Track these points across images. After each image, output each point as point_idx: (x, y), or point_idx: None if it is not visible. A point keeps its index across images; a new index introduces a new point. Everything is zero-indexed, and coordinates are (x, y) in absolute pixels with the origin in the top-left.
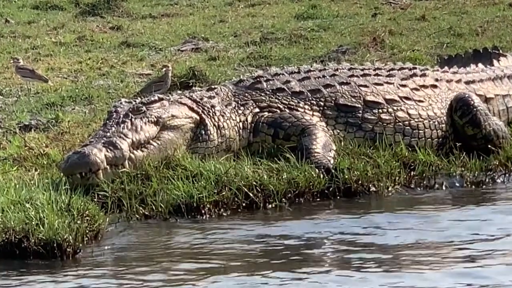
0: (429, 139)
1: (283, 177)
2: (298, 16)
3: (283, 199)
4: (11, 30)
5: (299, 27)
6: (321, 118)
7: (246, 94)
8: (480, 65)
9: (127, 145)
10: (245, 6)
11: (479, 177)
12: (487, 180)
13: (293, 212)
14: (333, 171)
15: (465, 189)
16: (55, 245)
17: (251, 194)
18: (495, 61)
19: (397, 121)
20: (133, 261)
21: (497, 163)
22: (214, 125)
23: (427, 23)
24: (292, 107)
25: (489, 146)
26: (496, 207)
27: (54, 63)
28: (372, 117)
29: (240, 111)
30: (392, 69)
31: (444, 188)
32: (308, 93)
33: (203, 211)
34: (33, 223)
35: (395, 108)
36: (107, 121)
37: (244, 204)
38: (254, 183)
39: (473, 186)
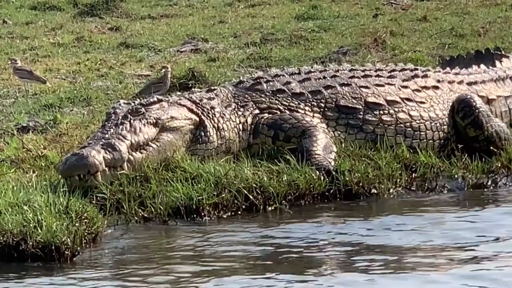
0: (430, 141)
1: (283, 179)
2: (298, 17)
3: (283, 202)
4: (9, 31)
5: (299, 28)
6: (322, 120)
7: (246, 96)
8: (482, 66)
9: (126, 147)
10: (245, 6)
11: (481, 179)
12: (489, 182)
13: (294, 214)
14: (333, 173)
15: (467, 191)
16: (53, 248)
17: (251, 196)
18: (497, 62)
19: (398, 122)
20: (132, 264)
21: (499, 165)
22: (214, 126)
23: (428, 23)
24: (293, 108)
25: (491, 147)
26: (501, 209)
27: (52, 64)
28: (373, 119)
29: (240, 113)
30: (394, 70)
31: (445, 190)
32: (309, 95)
33: (202, 213)
34: (31, 225)
35: (396, 109)
36: (106, 123)
37: (244, 207)
38: (254, 185)
39: (475, 188)
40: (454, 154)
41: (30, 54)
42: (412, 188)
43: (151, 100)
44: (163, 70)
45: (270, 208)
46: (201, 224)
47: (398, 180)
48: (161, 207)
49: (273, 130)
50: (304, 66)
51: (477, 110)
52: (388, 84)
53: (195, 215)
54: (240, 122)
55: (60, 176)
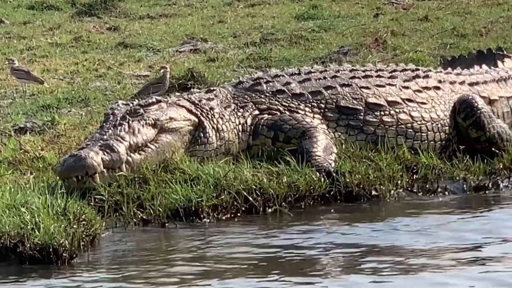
0: (432, 142)
1: (283, 180)
2: (298, 17)
3: (283, 203)
4: (6, 31)
5: (299, 28)
6: (322, 121)
7: (246, 96)
8: (484, 66)
9: (124, 148)
10: (245, 6)
11: (483, 181)
12: (491, 184)
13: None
14: (334, 174)
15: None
16: (51, 250)
17: (250, 198)
18: (499, 62)
19: (399, 123)
20: (130, 267)
21: (501, 166)
22: (213, 127)
23: (430, 23)
24: (293, 109)
25: (493, 149)
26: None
27: (50, 65)
28: (374, 120)
29: (239, 114)
30: (394, 71)
31: (447, 192)
32: (309, 95)
33: (201, 215)
34: (29, 227)
35: (397, 110)
36: (104, 124)
37: (243, 208)
38: (254, 186)
39: (477, 190)
40: (456, 156)
41: (28, 54)
42: (413, 190)
43: (150, 100)
44: (162, 70)
45: (269, 210)
46: (200, 226)
47: (399, 181)
48: (160, 209)
49: (273, 131)
50: (304, 66)
51: (478, 111)
52: (389, 84)
53: (194, 217)
54: (239, 123)
55: (58, 177)
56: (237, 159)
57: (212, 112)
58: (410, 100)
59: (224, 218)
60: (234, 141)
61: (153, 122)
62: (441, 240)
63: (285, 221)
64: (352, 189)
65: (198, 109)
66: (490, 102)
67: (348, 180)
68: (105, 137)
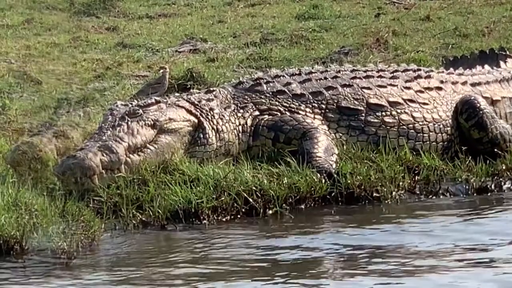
0: (434, 143)
1: (284, 182)
2: (299, 16)
3: (284, 205)
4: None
5: (300, 28)
6: (323, 121)
7: (246, 97)
8: (486, 66)
9: (123, 149)
10: (245, 6)
11: (486, 182)
12: (493, 185)
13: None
14: (335, 175)
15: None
16: (48, 252)
17: (250, 200)
18: (501, 63)
19: (401, 124)
20: (129, 269)
21: (504, 168)
22: (213, 128)
23: (431, 23)
24: (293, 109)
25: (496, 149)
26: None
27: (48, 65)
28: (375, 120)
29: (239, 114)
30: (396, 71)
31: (449, 194)
32: (310, 96)
33: (201, 217)
34: (27, 229)
35: (399, 111)
36: (103, 125)
37: (243, 210)
38: (254, 188)
39: (479, 192)
40: (458, 156)
41: (24, 54)
42: (415, 191)
43: (149, 101)
44: (161, 70)
45: (270, 212)
46: (200, 228)
47: (401, 183)
48: (159, 210)
49: (273, 132)
50: (305, 66)
51: (481, 112)
52: (391, 85)
53: (193, 219)
54: (239, 124)
55: (56, 178)
56: (237, 160)
57: (212, 113)
58: (411, 101)
59: (224, 220)
60: (234, 142)
61: (152, 122)
62: (447, 242)
63: (286, 223)
64: (353, 190)
65: (198, 110)
66: (493, 102)
67: (349, 181)
68: (104, 138)
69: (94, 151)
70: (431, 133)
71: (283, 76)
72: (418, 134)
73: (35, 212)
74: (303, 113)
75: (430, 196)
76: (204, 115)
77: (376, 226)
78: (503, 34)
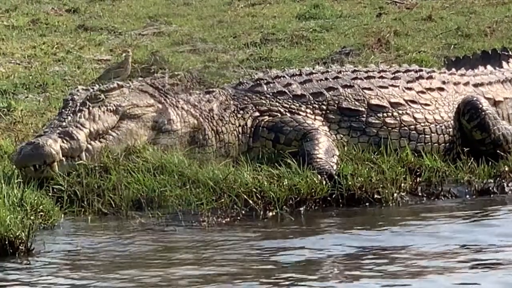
0: (435, 144)
1: (284, 183)
2: (299, 16)
3: (284, 207)
4: None
5: (300, 28)
6: (324, 122)
7: (246, 98)
8: (488, 67)
9: (84, 135)
10: (245, 5)
11: (488, 184)
12: (495, 187)
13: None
14: (336, 177)
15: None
16: (7, 242)
17: (250, 201)
18: (504, 63)
19: (402, 125)
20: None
21: (506, 169)
22: (213, 129)
23: (433, 23)
24: (294, 110)
25: (498, 151)
26: None
27: (6, 48)
28: (377, 121)
29: (239, 115)
30: (398, 71)
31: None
32: (310, 96)
33: (201, 219)
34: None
35: (400, 112)
36: (63, 110)
37: (243, 212)
38: (254, 189)
39: (481, 193)
40: (460, 158)
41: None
42: (417, 193)
43: (111, 86)
44: (124, 54)
45: (270, 214)
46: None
47: (402, 184)
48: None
49: (274, 133)
50: (305, 67)
51: (483, 113)
52: (392, 85)
53: (192, 220)
54: (239, 125)
55: (14, 166)
56: (237, 161)
57: (211, 114)
58: (413, 102)
59: (224, 221)
60: (234, 143)
61: (114, 108)
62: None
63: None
64: (354, 192)
65: (162, 95)
66: (495, 103)
67: (350, 183)
68: (64, 124)
69: (54, 137)
70: (433, 134)
71: (284, 76)
72: (420, 135)
73: (40, 213)
74: (304, 114)
75: (432, 198)
76: (203, 116)
77: (380, 227)
78: (506, 34)
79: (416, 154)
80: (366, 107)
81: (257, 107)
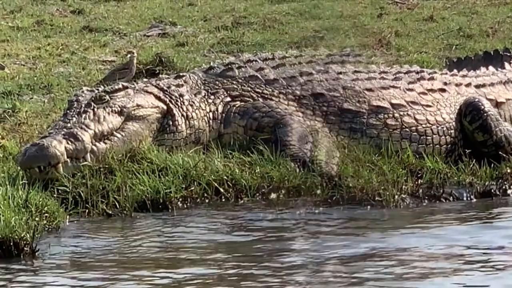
0: (437, 146)
1: (256, 171)
2: None
3: (256, 195)
4: None
5: (273, 11)
6: (297, 108)
7: (217, 82)
8: (490, 68)
9: (89, 136)
10: None
11: (490, 186)
12: (497, 189)
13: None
14: (309, 164)
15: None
16: (12, 243)
17: (221, 190)
18: (506, 64)
19: (403, 126)
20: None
21: (508, 171)
22: (182, 115)
23: (435, 23)
24: (266, 96)
25: (500, 152)
26: None
27: (11, 49)
28: (377, 123)
29: (210, 100)
30: (399, 72)
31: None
32: (283, 81)
33: (170, 207)
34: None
35: (401, 113)
36: (68, 111)
37: (214, 200)
38: (225, 177)
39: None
40: (462, 160)
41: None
42: (418, 195)
43: (116, 87)
44: (129, 55)
45: (241, 202)
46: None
47: (403, 186)
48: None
49: (246, 119)
50: (278, 51)
51: (485, 114)
52: (393, 86)
53: (162, 209)
54: (210, 111)
55: (19, 167)
56: (207, 148)
57: (181, 99)
58: (414, 103)
59: (194, 209)
60: (205, 129)
61: (119, 109)
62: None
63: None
64: (355, 194)
65: (167, 96)
66: (497, 104)
67: (350, 184)
68: (68, 125)
69: (59, 138)
70: (434, 136)
71: (256, 61)
72: (421, 137)
73: (45, 214)
74: (277, 99)
75: (433, 200)
76: (173, 102)
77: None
78: (508, 35)
79: (417, 156)
80: (367, 108)
81: (228, 92)
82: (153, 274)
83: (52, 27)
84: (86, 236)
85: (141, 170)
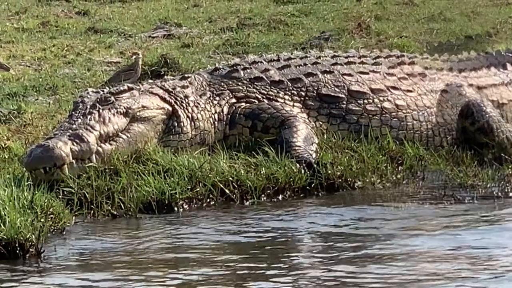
0: (418, 132)
1: (262, 172)
2: (277, 0)
3: (262, 196)
4: None
5: (278, 12)
6: (302, 109)
7: (222, 84)
8: (492, 68)
9: (94, 138)
10: None
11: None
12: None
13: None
14: (315, 165)
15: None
16: (17, 245)
17: (227, 191)
18: (508, 65)
19: (383, 112)
20: (99, 262)
21: (511, 173)
22: (188, 116)
23: (415, 7)
24: (271, 97)
25: (503, 154)
26: None
27: (16, 50)
28: (357, 108)
29: (215, 102)
30: (378, 57)
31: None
32: (289, 83)
33: (175, 208)
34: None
35: (381, 98)
36: (73, 112)
37: (219, 201)
38: (231, 178)
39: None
40: (442, 146)
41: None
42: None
43: (121, 88)
44: (134, 56)
45: (247, 203)
46: (174, 219)
47: (384, 173)
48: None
49: (251, 120)
50: (283, 52)
51: (487, 115)
52: (373, 71)
53: (167, 210)
54: (215, 112)
55: (24, 169)
56: (213, 149)
57: (186, 100)
58: (395, 88)
59: (199, 211)
60: (210, 130)
61: (124, 110)
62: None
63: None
64: (334, 181)
65: (172, 97)
66: (499, 105)
67: (329, 171)
68: (74, 126)
69: (64, 140)
70: (414, 122)
71: (261, 62)
72: (402, 123)
73: (51, 215)
74: (282, 100)
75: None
76: (178, 103)
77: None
78: (510, 35)
79: (397, 142)
80: (346, 94)
81: (233, 93)
82: (161, 275)
83: (57, 28)
84: (91, 237)
85: (146, 171)
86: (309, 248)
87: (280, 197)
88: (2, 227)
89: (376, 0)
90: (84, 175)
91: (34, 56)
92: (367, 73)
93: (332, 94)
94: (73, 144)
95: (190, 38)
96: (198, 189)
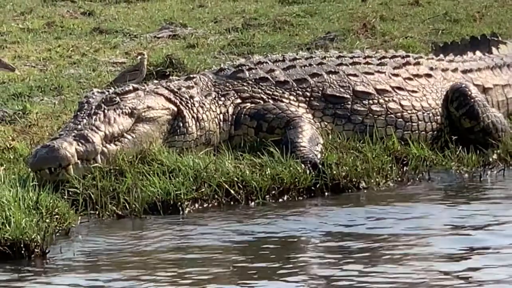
0: (423, 132)
1: (267, 172)
2: (282, 1)
3: (267, 196)
4: None
5: (283, 13)
6: (308, 110)
7: (227, 84)
8: (478, 53)
9: (100, 138)
10: None
11: (476, 172)
12: (485, 175)
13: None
14: (320, 166)
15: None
16: (22, 245)
17: (232, 191)
18: (494, 49)
19: (388, 112)
20: (105, 262)
21: (495, 158)
22: (193, 117)
23: (421, 8)
24: (277, 97)
25: (488, 139)
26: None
27: (21, 51)
28: (362, 109)
29: (220, 102)
30: (384, 57)
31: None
32: (294, 83)
33: (180, 209)
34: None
35: (386, 99)
36: (78, 113)
37: (224, 202)
38: (236, 179)
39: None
40: (448, 147)
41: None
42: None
43: (127, 88)
44: (139, 57)
45: (252, 203)
46: (179, 220)
47: (389, 173)
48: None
49: (256, 121)
50: (289, 53)
51: (472, 100)
52: (378, 72)
53: (172, 211)
54: (220, 112)
55: (29, 169)
56: (218, 150)
57: (192, 101)
58: (400, 88)
59: (204, 211)
60: (215, 131)
61: (130, 111)
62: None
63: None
64: (339, 181)
65: (177, 98)
66: (484, 90)
67: (334, 172)
68: (79, 126)
69: (70, 140)
70: (420, 122)
71: (266, 62)
72: (407, 123)
73: (56, 216)
74: (287, 101)
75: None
76: (184, 103)
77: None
78: (495, 19)
79: (403, 143)
80: (351, 94)
81: (239, 93)
82: (171, 275)
83: (63, 28)
84: (96, 238)
85: (151, 172)
86: (317, 248)
87: (285, 198)
88: (8, 227)
89: (381, 1)
90: (89, 175)
91: (40, 57)
92: (372, 74)
93: (337, 94)
94: (78, 145)
95: (195, 38)
96: (203, 190)
